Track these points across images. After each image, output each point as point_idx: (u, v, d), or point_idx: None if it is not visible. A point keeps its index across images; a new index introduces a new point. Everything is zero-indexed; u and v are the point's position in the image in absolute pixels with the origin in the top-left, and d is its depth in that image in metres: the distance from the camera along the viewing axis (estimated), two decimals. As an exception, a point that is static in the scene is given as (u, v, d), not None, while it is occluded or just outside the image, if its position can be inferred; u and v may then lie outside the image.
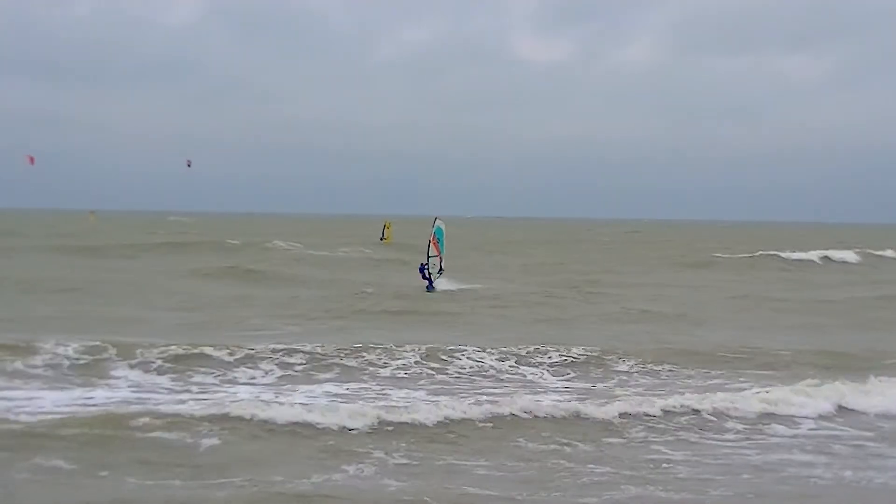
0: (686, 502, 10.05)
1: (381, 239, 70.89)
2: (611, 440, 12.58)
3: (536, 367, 17.86)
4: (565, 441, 12.37)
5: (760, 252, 55.78)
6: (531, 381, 16.86)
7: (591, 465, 11.32)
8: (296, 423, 12.45)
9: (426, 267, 33.12)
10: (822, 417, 14.09)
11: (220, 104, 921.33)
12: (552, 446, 12.13)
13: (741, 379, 17.18)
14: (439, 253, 33.58)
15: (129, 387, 15.24)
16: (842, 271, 49.07)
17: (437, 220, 34.09)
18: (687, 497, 10.19)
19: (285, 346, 17.94)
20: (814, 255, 54.16)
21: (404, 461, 11.27)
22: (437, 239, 33.66)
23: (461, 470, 11.00)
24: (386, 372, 16.99)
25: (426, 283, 32.85)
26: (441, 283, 33.24)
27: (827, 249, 56.61)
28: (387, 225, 74.93)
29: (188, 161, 64.84)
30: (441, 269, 33.61)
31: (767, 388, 15.43)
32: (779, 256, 53.33)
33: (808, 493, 10.53)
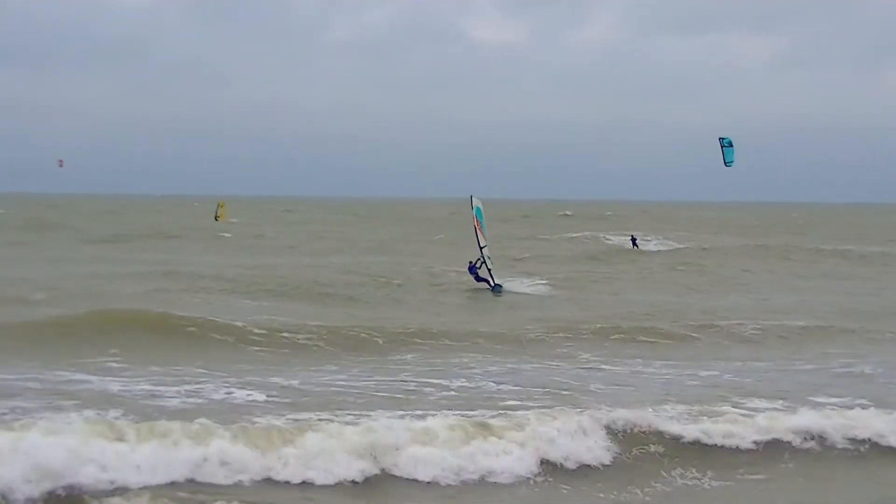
0: None
1: (216, 219, 72.76)
2: None
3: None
4: None
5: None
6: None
7: None
8: None
9: (478, 265, 25.96)
10: None
11: (173, 86, 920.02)
12: None
13: None
14: (485, 239, 26.39)
15: None
16: None
17: (474, 199, 26.88)
18: None
19: None
20: None
21: None
22: (479, 221, 26.48)
23: None
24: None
25: (486, 284, 25.80)
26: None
27: None
28: (220, 204, 77.44)
29: (60, 161, 66.71)
30: (487, 258, 26.42)
31: None
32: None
33: None
